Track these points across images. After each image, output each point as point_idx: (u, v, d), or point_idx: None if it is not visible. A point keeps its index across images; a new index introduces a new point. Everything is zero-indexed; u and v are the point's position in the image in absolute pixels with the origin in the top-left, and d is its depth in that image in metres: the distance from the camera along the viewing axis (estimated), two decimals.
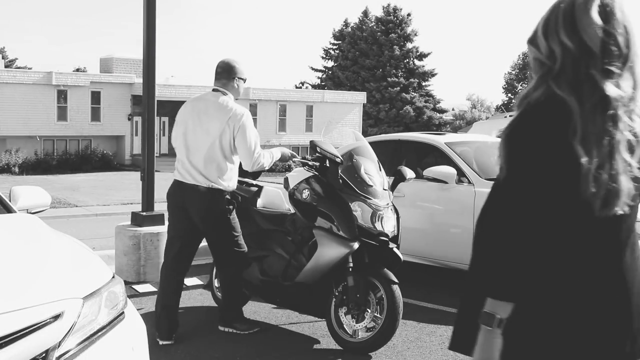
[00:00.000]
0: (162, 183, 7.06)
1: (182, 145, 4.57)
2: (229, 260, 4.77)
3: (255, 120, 38.52)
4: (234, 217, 4.67)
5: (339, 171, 4.59)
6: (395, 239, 4.58)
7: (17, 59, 59.01)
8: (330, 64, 54.27)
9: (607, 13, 1.67)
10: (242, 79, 4.68)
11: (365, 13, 51.43)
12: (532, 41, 1.77)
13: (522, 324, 1.67)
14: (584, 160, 1.59)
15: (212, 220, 4.58)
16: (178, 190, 4.60)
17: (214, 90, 4.66)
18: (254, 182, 5.42)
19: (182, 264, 4.70)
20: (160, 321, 4.61)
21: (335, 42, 54.01)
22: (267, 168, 4.57)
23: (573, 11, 1.68)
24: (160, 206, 6.38)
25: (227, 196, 4.59)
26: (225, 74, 4.63)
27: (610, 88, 1.62)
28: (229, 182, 4.59)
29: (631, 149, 1.64)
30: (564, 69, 1.67)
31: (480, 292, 1.71)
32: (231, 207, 4.61)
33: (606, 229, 1.69)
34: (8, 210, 3.69)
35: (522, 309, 1.67)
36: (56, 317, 2.47)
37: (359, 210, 4.45)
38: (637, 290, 1.72)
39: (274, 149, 4.75)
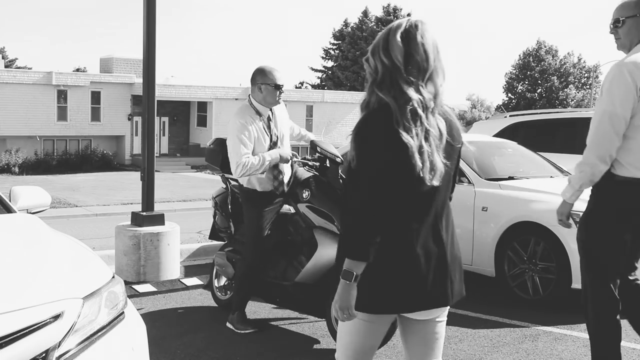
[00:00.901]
0: (162, 183, 7.06)
1: None
2: (244, 255, 4.87)
3: None
4: (261, 215, 4.72)
5: (340, 171, 4.59)
6: None
7: (17, 59, 59.12)
8: (330, 64, 54.31)
9: (409, 39, 2.25)
10: (265, 84, 4.66)
11: (365, 13, 51.48)
12: (367, 59, 2.35)
13: (369, 275, 2.29)
14: (408, 141, 2.16)
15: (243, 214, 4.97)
16: None
17: None
18: None
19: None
20: None
21: (335, 42, 54.05)
22: (259, 172, 4.59)
23: (388, 36, 2.29)
24: (160, 206, 6.38)
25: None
26: (251, 80, 4.78)
27: (411, 93, 2.21)
28: (242, 180, 4.78)
29: (439, 138, 2.25)
30: (383, 79, 2.26)
31: (343, 255, 2.30)
32: (261, 204, 4.73)
33: (428, 198, 2.29)
34: (8, 210, 3.69)
35: (370, 265, 2.26)
36: (56, 317, 2.47)
37: None
38: (450, 247, 2.38)
39: (271, 151, 4.68)
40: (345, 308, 2.35)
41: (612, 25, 3.44)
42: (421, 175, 2.19)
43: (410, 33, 2.26)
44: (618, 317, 3.45)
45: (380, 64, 2.28)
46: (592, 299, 3.47)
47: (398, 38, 2.26)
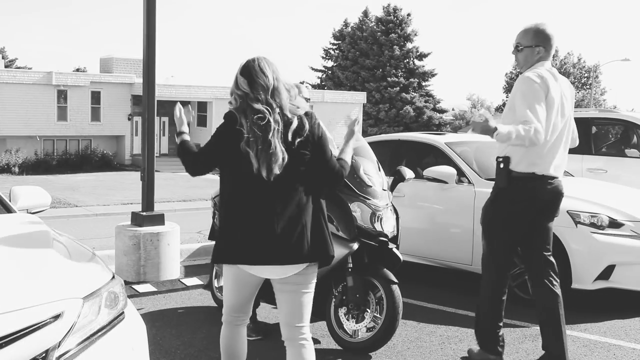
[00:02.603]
0: (162, 183, 7.06)
1: None
2: None
3: None
4: None
5: None
6: (394, 239, 4.58)
7: (17, 59, 59.09)
8: (330, 64, 54.28)
9: (249, 69, 3.11)
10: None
11: (365, 13, 51.43)
12: (231, 94, 3.19)
13: (217, 233, 3.19)
14: (250, 140, 2.99)
15: None
16: None
17: None
18: None
19: None
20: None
21: (335, 42, 54.02)
22: None
23: (235, 76, 3.16)
24: (160, 206, 6.38)
25: None
26: None
27: (256, 105, 3.02)
28: None
29: (283, 137, 3.00)
30: (240, 104, 3.10)
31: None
32: None
33: (258, 178, 3.00)
34: (8, 210, 3.70)
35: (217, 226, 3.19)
36: (56, 317, 2.47)
37: (358, 210, 4.45)
38: (283, 223, 3.02)
39: None
40: None
41: (513, 47, 4.11)
42: (252, 161, 2.99)
43: (249, 66, 3.12)
44: (504, 290, 4.13)
45: (235, 97, 3.14)
46: (487, 275, 4.15)
47: (239, 74, 3.14)
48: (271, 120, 2.98)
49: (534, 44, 4.03)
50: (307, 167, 3.10)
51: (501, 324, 4.18)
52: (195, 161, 3.17)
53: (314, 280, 3.23)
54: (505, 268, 4.14)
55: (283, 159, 2.99)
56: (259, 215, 3.04)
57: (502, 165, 4.01)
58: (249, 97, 3.05)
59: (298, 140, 3.03)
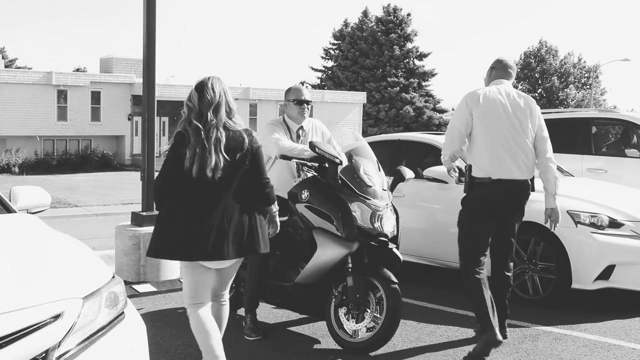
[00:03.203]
0: None
1: None
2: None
3: (255, 120, 38.46)
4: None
5: (338, 172, 4.59)
6: (394, 239, 4.58)
7: (17, 59, 59.02)
8: (330, 64, 54.25)
9: (202, 85, 3.67)
10: (288, 101, 5.04)
11: (365, 13, 51.41)
12: (185, 105, 3.68)
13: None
14: (189, 145, 3.52)
15: None
16: None
17: None
18: None
19: None
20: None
21: (335, 42, 54.00)
22: (294, 156, 4.75)
23: (190, 90, 3.70)
24: None
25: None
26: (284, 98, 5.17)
27: (195, 121, 3.57)
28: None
29: (225, 145, 3.55)
30: (188, 113, 3.64)
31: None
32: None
33: (199, 183, 3.51)
34: (8, 210, 3.70)
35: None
36: (56, 317, 2.47)
37: (358, 210, 4.45)
38: (219, 220, 3.55)
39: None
40: None
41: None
42: (190, 168, 3.49)
43: (203, 83, 3.68)
44: (480, 275, 4.50)
45: (186, 107, 3.64)
46: (464, 264, 4.62)
47: (193, 88, 3.68)
48: (210, 131, 3.54)
49: (490, 66, 4.92)
50: (244, 177, 3.65)
51: (491, 308, 4.43)
52: (162, 196, 3.66)
53: (239, 264, 3.90)
54: (478, 256, 4.56)
55: (216, 164, 3.51)
56: (199, 215, 3.55)
57: (465, 172, 4.70)
58: (194, 110, 3.60)
59: (239, 154, 3.59)
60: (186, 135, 3.54)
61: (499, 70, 4.85)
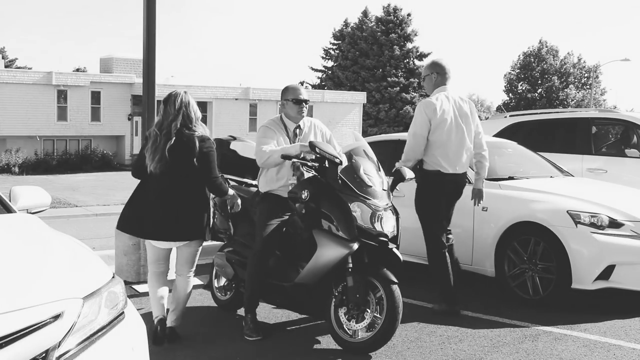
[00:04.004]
0: None
1: None
2: (254, 243, 4.87)
3: (255, 120, 38.39)
4: (261, 208, 4.92)
5: (338, 172, 4.59)
6: (395, 240, 4.58)
7: (17, 59, 59.08)
8: (330, 64, 54.27)
9: (168, 97, 4.57)
10: (286, 100, 5.02)
11: (365, 13, 51.41)
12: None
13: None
14: (148, 151, 4.52)
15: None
16: None
17: None
18: (254, 183, 5.43)
19: None
20: None
21: (335, 42, 54.01)
22: (274, 161, 4.78)
23: (165, 96, 4.62)
24: None
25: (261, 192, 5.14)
26: (281, 97, 5.16)
27: (165, 123, 4.54)
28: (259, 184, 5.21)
29: (174, 148, 4.46)
30: (162, 119, 4.57)
31: None
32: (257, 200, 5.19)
33: (154, 175, 4.48)
34: (8, 210, 3.70)
35: None
36: (56, 317, 2.47)
37: (358, 210, 4.45)
38: (168, 207, 4.47)
39: (283, 147, 4.87)
40: None
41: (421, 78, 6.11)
42: (147, 162, 4.51)
43: (170, 96, 4.58)
44: (444, 251, 5.46)
45: (163, 110, 4.58)
46: (428, 244, 5.51)
47: (163, 101, 4.58)
48: (164, 136, 4.46)
49: (433, 70, 5.58)
50: (194, 173, 4.50)
51: (450, 279, 5.44)
52: (134, 175, 4.71)
53: (199, 247, 4.74)
54: (439, 234, 5.48)
55: (159, 162, 4.44)
56: (152, 202, 4.51)
57: (417, 167, 5.49)
58: (158, 119, 4.58)
59: (188, 156, 4.46)
60: (149, 137, 4.55)
61: (442, 76, 5.53)
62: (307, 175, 4.88)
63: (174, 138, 4.47)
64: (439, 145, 5.39)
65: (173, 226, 4.49)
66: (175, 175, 4.48)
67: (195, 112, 4.59)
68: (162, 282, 4.77)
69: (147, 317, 5.15)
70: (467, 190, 6.25)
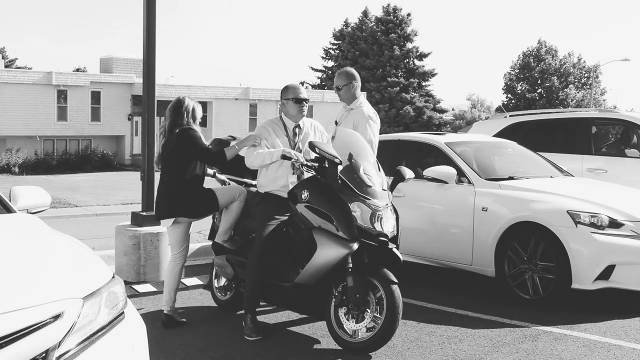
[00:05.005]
0: None
1: None
2: (255, 242, 4.86)
3: (255, 120, 38.38)
4: (261, 208, 4.92)
5: (338, 172, 4.59)
6: (394, 239, 4.57)
7: (17, 59, 59.03)
8: (330, 64, 54.26)
9: (173, 102, 5.22)
10: (286, 99, 5.05)
11: (365, 13, 51.42)
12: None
13: None
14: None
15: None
16: None
17: None
18: (254, 183, 5.43)
19: None
20: None
21: (335, 42, 54.01)
22: (265, 163, 4.85)
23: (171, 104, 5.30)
24: None
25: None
26: (280, 97, 5.16)
27: (164, 124, 5.24)
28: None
29: (167, 141, 5.10)
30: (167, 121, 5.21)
31: None
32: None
33: (161, 164, 5.26)
34: (8, 210, 3.69)
35: None
36: (56, 317, 2.47)
37: (358, 210, 4.45)
38: (159, 190, 5.20)
39: (277, 149, 4.85)
40: None
41: (334, 88, 6.00)
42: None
43: (178, 103, 5.12)
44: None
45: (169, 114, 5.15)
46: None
47: (169, 106, 5.17)
48: (158, 132, 5.49)
49: (355, 79, 5.90)
50: (177, 159, 5.01)
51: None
52: None
53: (175, 230, 5.13)
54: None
55: (158, 153, 5.27)
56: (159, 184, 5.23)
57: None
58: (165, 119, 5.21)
59: (170, 146, 5.00)
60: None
61: (359, 83, 5.96)
62: (307, 175, 4.88)
63: (168, 135, 5.25)
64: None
65: (158, 205, 5.24)
66: (165, 163, 5.21)
67: (195, 111, 5.19)
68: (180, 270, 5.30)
69: (147, 317, 5.15)
70: (467, 190, 6.25)
